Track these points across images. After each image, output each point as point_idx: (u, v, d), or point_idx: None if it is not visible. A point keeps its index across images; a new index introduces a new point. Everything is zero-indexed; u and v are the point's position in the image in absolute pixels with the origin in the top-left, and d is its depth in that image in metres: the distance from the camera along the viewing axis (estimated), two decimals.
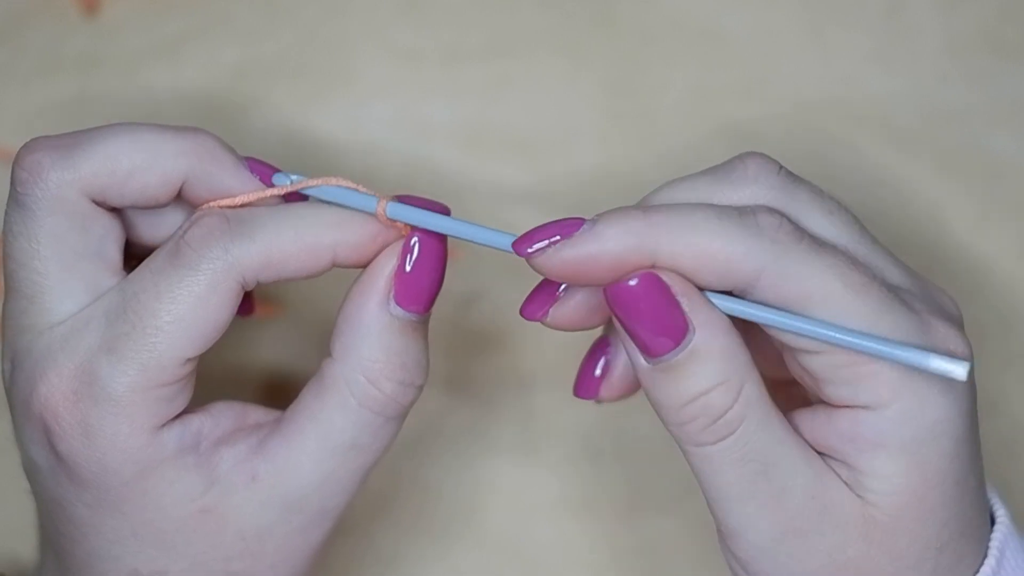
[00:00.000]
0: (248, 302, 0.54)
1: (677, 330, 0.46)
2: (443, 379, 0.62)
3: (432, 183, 0.61)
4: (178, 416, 0.48)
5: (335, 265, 0.49)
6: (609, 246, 0.45)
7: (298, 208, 0.48)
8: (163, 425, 0.48)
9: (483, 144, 0.61)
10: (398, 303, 0.48)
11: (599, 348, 0.52)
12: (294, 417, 0.49)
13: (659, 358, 0.46)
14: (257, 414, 0.50)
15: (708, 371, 0.46)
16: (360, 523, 0.62)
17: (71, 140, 0.48)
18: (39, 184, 0.48)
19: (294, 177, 0.49)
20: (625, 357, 0.52)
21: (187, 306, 0.47)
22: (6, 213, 0.49)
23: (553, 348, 0.61)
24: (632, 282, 0.46)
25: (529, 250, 0.46)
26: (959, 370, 0.45)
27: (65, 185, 0.48)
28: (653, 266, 0.46)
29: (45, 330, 0.48)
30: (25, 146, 0.48)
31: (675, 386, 0.46)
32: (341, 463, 0.49)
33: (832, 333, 0.45)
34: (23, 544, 0.60)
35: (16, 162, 0.48)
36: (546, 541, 0.62)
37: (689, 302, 0.46)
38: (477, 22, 0.62)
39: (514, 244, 0.46)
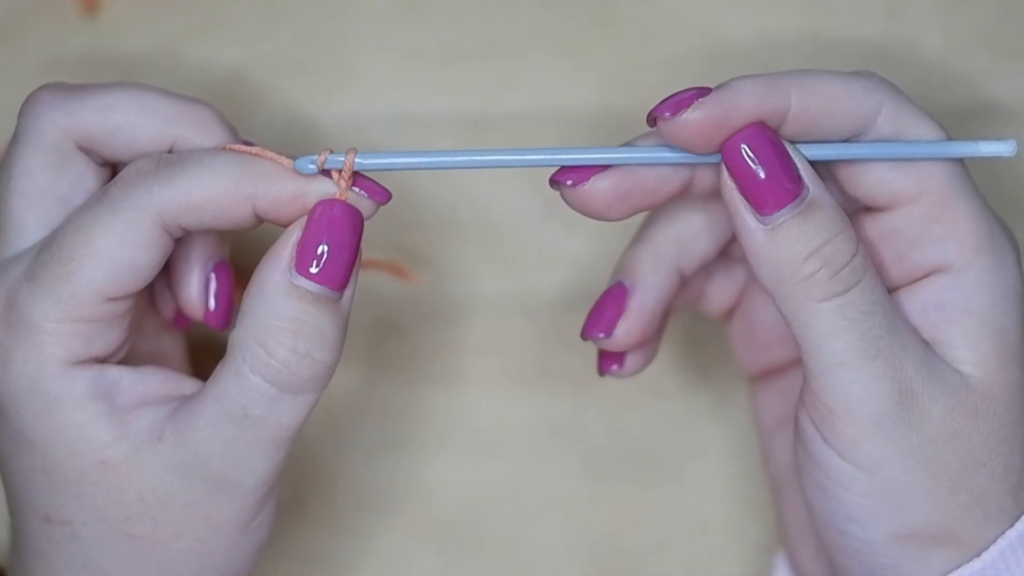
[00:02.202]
0: (183, 318, 0.54)
1: (793, 182, 0.47)
2: (443, 379, 0.62)
3: (432, 183, 0.61)
4: (98, 362, 0.49)
5: (260, 218, 0.49)
6: (748, 94, 0.47)
7: (225, 156, 0.49)
8: (77, 363, 0.48)
9: (483, 144, 0.61)
10: (298, 271, 0.48)
11: (613, 291, 0.53)
12: (205, 385, 0.49)
13: (777, 212, 0.47)
14: (190, 386, 0.50)
15: (828, 220, 0.47)
16: (360, 523, 0.62)
17: (76, 87, 0.50)
18: (30, 117, 0.50)
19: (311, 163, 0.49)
20: (640, 299, 0.52)
21: (104, 241, 0.48)
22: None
23: (554, 349, 0.62)
24: (749, 134, 0.47)
25: (668, 113, 0.47)
26: (1008, 147, 0.48)
27: (52, 124, 0.49)
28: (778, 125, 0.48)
29: None
30: (39, 87, 0.50)
31: (797, 239, 0.47)
32: (238, 433, 0.48)
33: (914, 149, 0.48)
34: None
35: (25, 99, 0.50)
36: (546, 541, 0.62)
37: (796, 157, 0.48)
38: (477, 22, 0.62)
39: (653, 112, 0.48)
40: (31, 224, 0.50)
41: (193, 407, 0.48)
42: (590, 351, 0.62)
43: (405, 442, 0.62)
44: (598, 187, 0.49)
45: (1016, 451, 0.49)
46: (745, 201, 0.47)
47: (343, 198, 0.48)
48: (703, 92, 0.47)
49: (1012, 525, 0.49)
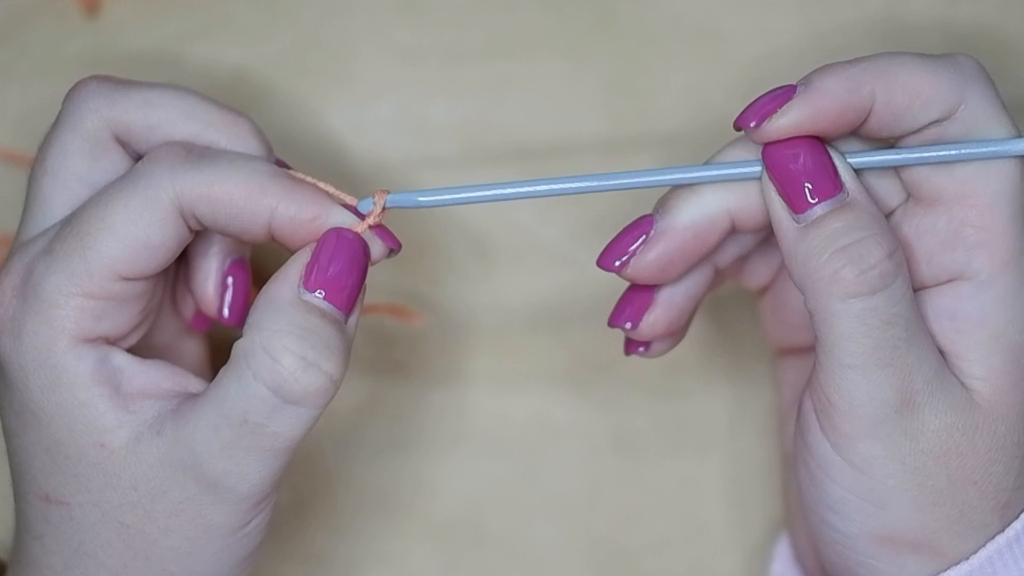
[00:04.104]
0: (202, 319, 0.54)
1: (831, 183, 0.48)
2: (444, 379, 0.62)
3: (432, 183, 0.61)
4: (107, 343, 0.49)
5: (271, 234, 0.49)
6: (832, 96, 0.47)
7: (256, 162, 0.49)
8: (86, 340, 0.48)
9: (483, 144, 0.61)
10: (306, 287, 0.48)
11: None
12: (208, 387, 0.49)
13: (811, 210, 0.48)
14: (197, 385, 0.50)
15: (860, 220, 0.48)
16: (361, 523, 0.62)
17: (123, 81, 0.51)
18: (74, 103, 0.51)
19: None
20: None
21: (120, 217, 0.48)
22: None
23: (555, 351, 0.62)
24: (796, 141, 0.48)
25: (753, 123, 0.48)
26: None
27: (93, 111, 0.50)
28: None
29: (23, 240, 0.50)
30: (88, 76, 0.52)
31: (826, 234, 0.47)
32: (236, 438, 0.48)
33: (972, 150, 0.48)
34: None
35: (72, 86, 0.51)
36: (546, 541, 0.62)
37: (839, 164, 0.48)
38: (477, 22, 0.62)
39: (739, 121, 0.48)
40: (59, 205, 0.50)
41: (194, 407, 0.48)
42: (590, 351, 0.62)
43: (406, 443, 0.62)
44: (646, 261, 0.51)
45: (1010, 472, 0.49)
46: (783, 203, 0.48)
47: (358, 231, 0.49)
48: (787, 93, 0.48)
49: (1002, 531, 0.49)
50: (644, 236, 0.51)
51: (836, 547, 0.50)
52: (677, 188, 0.51)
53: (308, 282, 0.48)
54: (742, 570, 0.61)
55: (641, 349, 0.54)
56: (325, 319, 0.48)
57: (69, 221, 0.49)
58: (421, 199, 0.50)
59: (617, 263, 0.51)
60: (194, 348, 0.56)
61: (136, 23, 0.62)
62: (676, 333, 0.54)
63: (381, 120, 0.61)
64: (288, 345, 0.47)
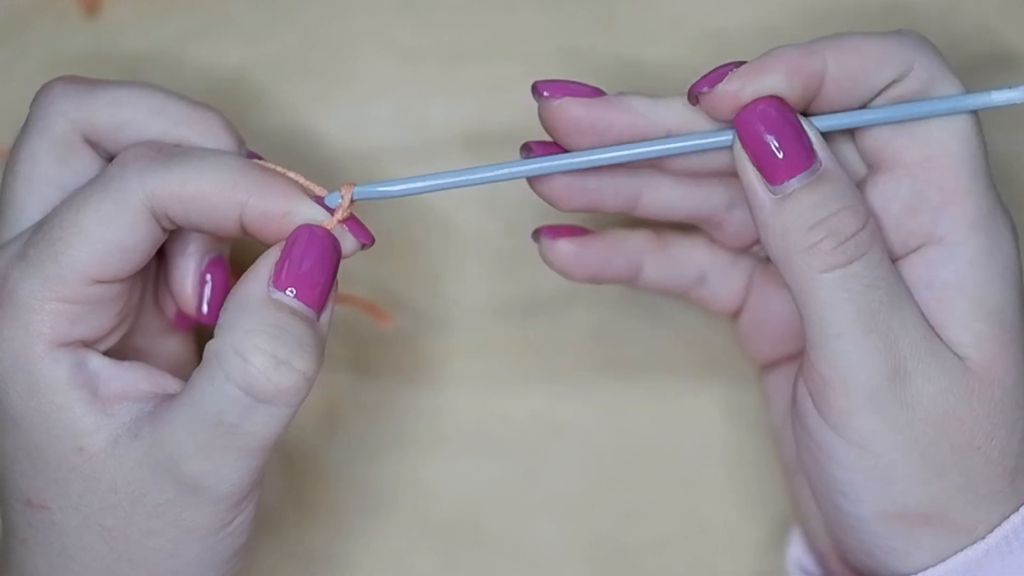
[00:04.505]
0: (184, 317, 0.54)
1: (805, 153, 0.48)
2: (444, 379, 0.62)
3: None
4: (84, 346, 0.49)
5: (244, 229, 0.49)
6: (783, 60, 0.48)
7: (227, 158, 0.49)
8: (62, 344, 0.48)
9: (483, 144, 0.61)
10: (275, 285, 0.48)
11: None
12: (182, 389, 0.49)
13: (786, 182, 0.48)
14: (174, 385, 0.50)
15: (836, 192, 0.48)
16: (361, 523, 0.62)
17: (89, 82, 0.51)
18: (41, 106, 0.50)
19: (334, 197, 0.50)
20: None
21: (91, 220, 0.48)
22: None
23: (555, 351, 0.62)
24: (763, 106, 0.48)
25: (706, 87, 0.48)
26: (1020, 94, 0.49)
27: (60, 114, 0.50)
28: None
29: None
30: (54, 78, 0.51)
31: (803, 208, 0.48)
32: (211, 439, 0.48)
33: (928, 107, 0.49)
34: None
35: (39, 88, 0.51)
36: (546, 540, 0.62)
37: (809, 130, 0.48)
38: (477, 22, 0.62)
39: (693, 87, 0.49)
40: (31, 209, 0.50)
41: (169, 409, 0.48)
42: (590, 352, 0.62)
43: (405, 442, 0.62)
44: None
45: (1014, 435, 0.49)
46: (757, 172, 0.48)
47: (328, 227, 0.49)
48: (739, 64, 0.49)
49: (1017, 510, 0.49)
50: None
51: (852, 532, 0.50)
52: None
53: (278, 280, 0.48)
54: (743, 568, 0.62)
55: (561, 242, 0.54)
56: (296, 317, 0.48)
57: (41, 226, 0.49)
58: (384, 189, 0.50)
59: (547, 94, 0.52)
60: (178, 346, 0.56)
61: (136, 23, 0.62)
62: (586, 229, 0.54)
63: (381, 120, 0.61)
64: (259, 344, 0.47)
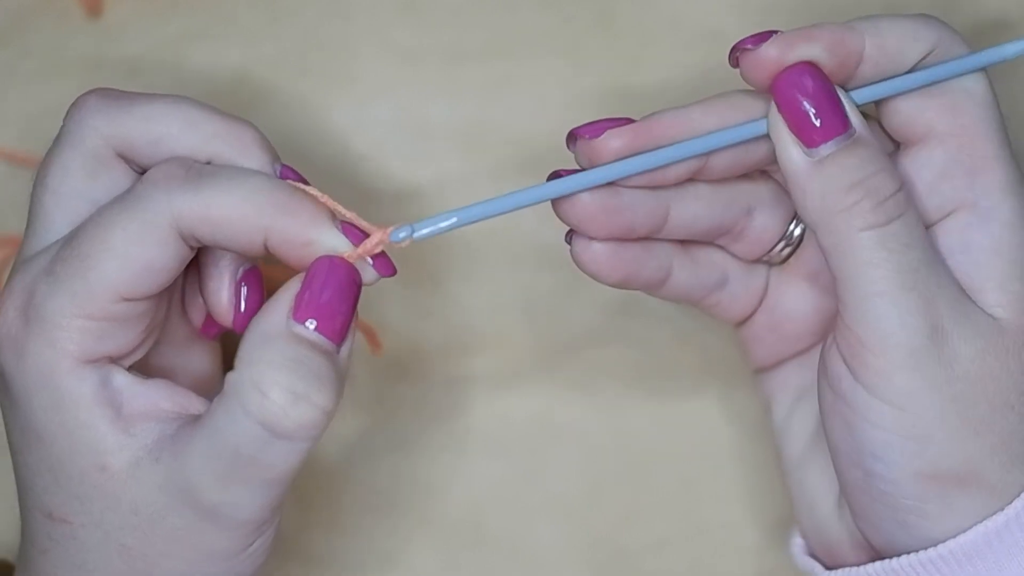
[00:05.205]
0: (212, 324, 0.54)
1: (840, 117, 0.49)
2: (442, 378, 0.62)
3: (432, 183, 0.61)
4: (111, 361, 0.49)
5: (269, 250, 0.49)
6: (826, 31, 0.49)
7: (256, 180, 0.49)
8: (88, 361, 0.48)
9: (483, 144, 0.61)
10: (295, 319, 0.48)
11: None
12: (202, 416, 0.49)
13: (824, 144, 0.48)
14: (198, 405, 0.50)
15: (872, 155, 0.49)
16: (360, 523, 0.62)
17: (124, 95, 0.50)
18: (74, 120, 0.50)
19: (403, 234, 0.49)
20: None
21: (120, 239, 0.48)
22: None
23: (555, 351, 0.62)
24: (800, 69, 0.49)
25: (749, 45, 0.49)
26: None
27: (93, 129, 0.50)
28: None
29: (26, 258, 0.50)
30: (88, 91, 0.51)
31: (842, 170, 0.48)
32: (229, 470, 0.47)
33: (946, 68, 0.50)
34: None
35: (73, 101, 0.51)
36: (546, 541, 0.62)
37: (844, 98, 0.49)
38: (477, 22, 0.62)
39: (737, 44, 0.50)
40: (60, 222, 0.50)
41: (190, 437, 0.48)
42: (590, 352, 0.62)
43: (406, 443, 0.62)
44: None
45: None
46: (792, 135, 0.49)
47: (350, 260, 0.49)
48: (767, 34, 0.50)
49: None
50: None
51: (883, 499, 0.50)
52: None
53: (298, 312, 0.48)
54: (743, 570, 0.61)
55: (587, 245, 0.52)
56: (315, 350, 0.47)
57: (69, 242, 0.49)
58: (423, 232, 0.49)
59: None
60: (203, 358, 0.55)
61: (138, 24, 0.62)
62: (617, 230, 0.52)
63: (381, 120, 0.61)
64: (277, 379, 0.46)
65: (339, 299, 0.48)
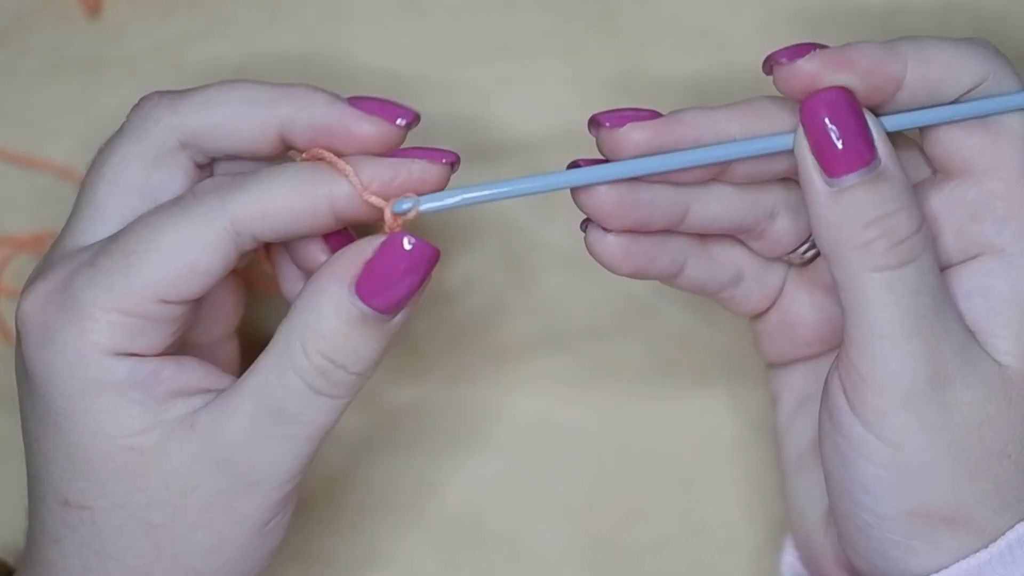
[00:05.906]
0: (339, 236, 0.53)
1: (866, 149, 0.48)
2: (442, 378, 0.62)
3: None
4: (134, 357, 0.49)
5: (338, 220, 0.49)
6: (867, 54, 0.47)
7: (297, 164, 0.49)
8: (117, 355, 0.48)
9: (483, 144, 0.61)
10: (359, 294, 0.48)
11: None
12: (244, 375, 0.49)
13: (845, 176, 0.47)
14: (225, 381, 0.50)
15: (894, 192, 0.48)
16: (362, 522, 0.62)
17: (185, 90, 0.50)
18: (138, 114, 0.50)
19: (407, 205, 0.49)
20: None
21: (169, 239, 0.48)
22: None
23: (555, 351, 0.62)
24: (830, 96, 0.47)
25: (784, 59, 0.48)
26: None
27: (156, 120, 0.50)
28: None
29: (69, 248, 0.50)
30: (152, 92, 0.51)
31: (860, 204, 0.47)
32: (272, 426, 0.48)
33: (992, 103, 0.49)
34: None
35: (137, 101, 0.51)
36: (546, 541, 0.62)
37: (874, 127, 0.48)
38: (477, 22, 0.62)
39: (772, 55, 0.48)
40: (111, 211, 0.50)
41: (231, 397, 0.49)
42: (590, 352, 0.62)
43: (406, 443, 0.62)
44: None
45: None
46: (815, 161, 0.48)
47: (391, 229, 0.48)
48: (823, 47, 0.48)
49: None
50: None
51: (868, 531, 0.50)
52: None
53: (361, 288, 0.48)
54: (742, 570, 0.61)
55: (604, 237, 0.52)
56: (365, 325, 0.48)
57: (116, 238, 0.49)
58: (444, 203, 0.49)
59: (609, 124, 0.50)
60: (224, 353, 0.56)
61: (138, 23, 0.62)
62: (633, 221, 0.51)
63: None
64: (319, 347, 0.48)
65: (410, 278, 0.48)
